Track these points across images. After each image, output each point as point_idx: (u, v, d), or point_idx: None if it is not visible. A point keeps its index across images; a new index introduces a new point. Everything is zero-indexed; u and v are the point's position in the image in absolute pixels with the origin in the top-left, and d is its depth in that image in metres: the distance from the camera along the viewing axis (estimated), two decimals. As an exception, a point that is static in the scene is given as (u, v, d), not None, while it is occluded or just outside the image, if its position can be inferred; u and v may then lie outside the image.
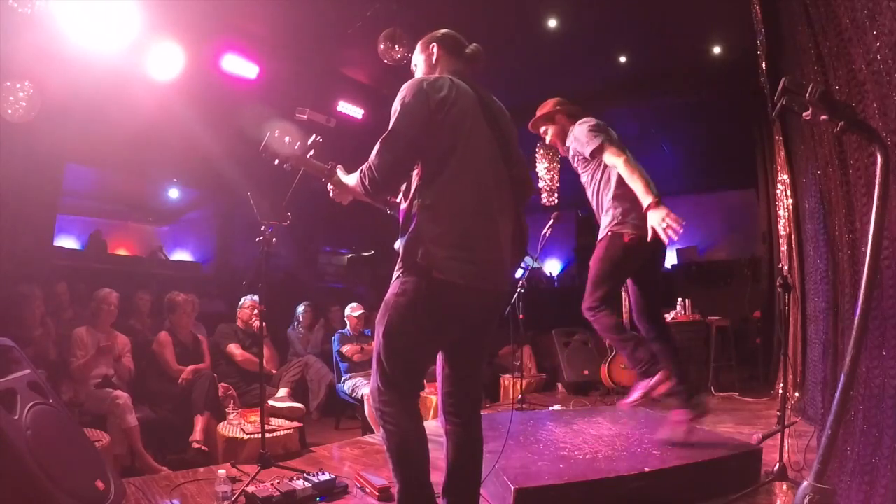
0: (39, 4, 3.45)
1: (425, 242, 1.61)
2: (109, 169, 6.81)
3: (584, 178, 2.87)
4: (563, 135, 2.89)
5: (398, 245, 1.70)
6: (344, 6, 4.64)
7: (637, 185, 2.44)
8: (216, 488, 2.31)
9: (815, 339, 3.40)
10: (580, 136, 2.71)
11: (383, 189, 1.73)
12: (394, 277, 1.70)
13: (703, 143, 7.22)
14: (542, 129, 2.99)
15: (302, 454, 3.29)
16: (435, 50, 1.89)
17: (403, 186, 1.75)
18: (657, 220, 2.28)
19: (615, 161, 2.55)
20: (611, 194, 2.67)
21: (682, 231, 2.25)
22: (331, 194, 2.02)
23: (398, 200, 1.81)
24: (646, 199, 2.36)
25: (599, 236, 2.73)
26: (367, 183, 1.70)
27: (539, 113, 2.96)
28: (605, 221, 2.70)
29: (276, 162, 2.04)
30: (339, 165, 2.00)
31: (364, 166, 1.71)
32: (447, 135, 1.66)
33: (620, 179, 2.60)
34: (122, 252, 7.92)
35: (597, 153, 2.63)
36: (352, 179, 1.83)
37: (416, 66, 1.96)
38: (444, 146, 1.66)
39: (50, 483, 1.79)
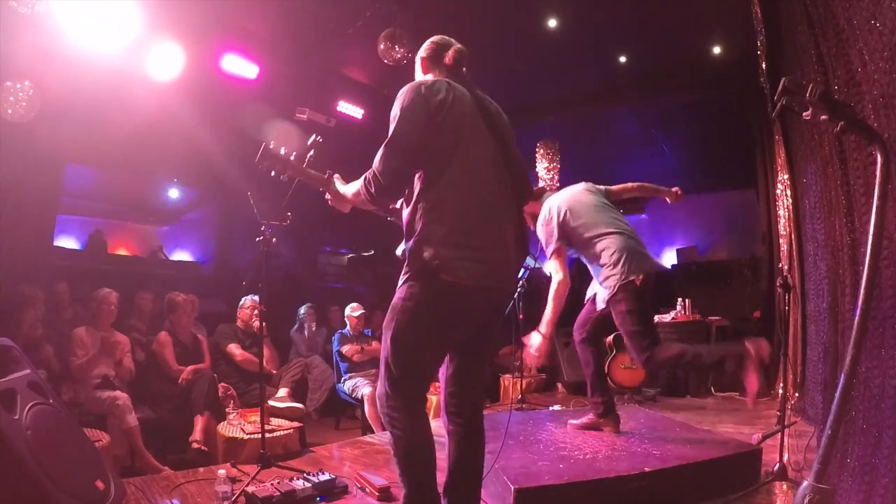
0: (39, 4, 3.45)
1: (432, 244, 1.60)
2: (109, 169, 6.80)
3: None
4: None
5: (401, 250, 1.70)
6: (344, 6, 4.64)
7: (549, 310, 2.65)
8: (216, 488, 2.31)
9: (815, 339, 3.40)
10: (542, 232, 2.87)
11: (389, 195, 1.73)
12: (400, 282, 1.69)
13: (703, 143, 7.21)
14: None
15: (302, 454, 3.29)
16: (419, 64, 1.92)
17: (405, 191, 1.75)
18: (533, 342, 2.60)
19: (554, 279, 2.71)
20: (603, 262, 2.74)
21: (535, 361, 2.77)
22: (329, 202, 2.02)
23: (398, 206, 1.80)
24: (542, 326, 2.63)
25: (609, 295, 2.73)
26: (372, 190, 1.69)
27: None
28: (611, 283, 2.71)
29: (273, 173, 2.04)
30: (337, 175, 1.99)
31: (368, 174, 1.70)
32: (447, 137, 1.67)
33: (606, 250, 2.72)
34: (122, 252, 7.91)
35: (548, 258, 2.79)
36: (353, 188, 1.83)
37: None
38: (444, 148, 1.66)
39: (50, 483, 1.79)
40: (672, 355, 2.60)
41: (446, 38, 1.92)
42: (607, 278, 2.69)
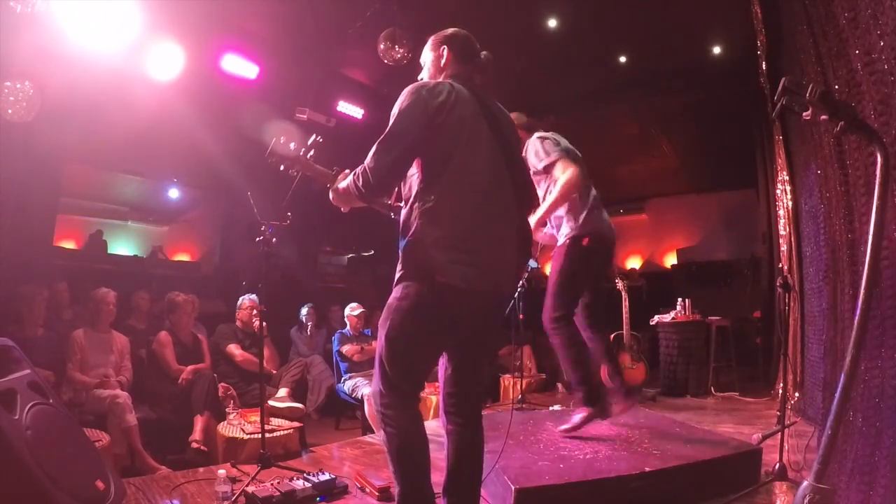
0: (39, 4, 3.45)
1: (426, 246, 1.61)
2: (109, 169, 6.82)
3: (539, 191, 2.93)
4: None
5: (400, 250, 1.70)
6: (344, 6, 4.64)
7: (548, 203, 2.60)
8: (216, 488, 2.31)
9: (814, 339, 3.40)
10: (537, 150, 2.78)
11: (377, 191, 1.72)
12: (395, 281, 1.70)
13: (703, 143, 7.22)
14: None
15: (302, 454, 3.29)
16: (444, 52, 1.87)
17: (405, 190, 1.75)
18: None
19: (562, 175, 2.64)
20: (565, 206, 2.74)
21: None
22: (331, 200, 2.02)
23: (401, 205, 1.81)
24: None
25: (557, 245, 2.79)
26: (360, 184, 1.69)
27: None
28: (563, 231, 2.78)
29: (282, 168, 2.05)
30: (345, 171, 1.99)
31: (358, 168, 1.70)
32: (447, 139, 1.67)
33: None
34: (122, 252, 7.92)
35: (550, 168, 2.70)
36: (344, 183, 1.82)
37: (423, 63, 1.94)
38: (443, 150, 1.66)
39: (50, 483, 1.79)
40: (567, 341, 2.71)
41: (470, 35, 1.90)
42: (570, 219, 2.75)
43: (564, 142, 2.81)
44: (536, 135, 2.85)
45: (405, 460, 1.66)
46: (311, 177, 2.08)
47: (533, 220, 2.51)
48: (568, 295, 2.73)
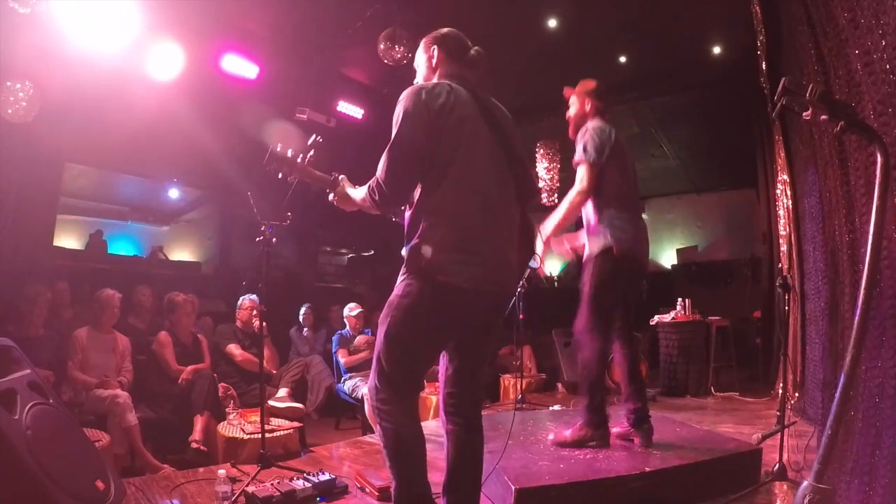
0: (39, 4, 3.44)
1: (431, 248, 1.61)
2: (109, 169, 6.81)
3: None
4: (579, 118, 2.91)
5: (405, 252, 1.70)
6: (344, 6, 4.64)
7: (556, 217, 2.59)
8: (216, 488, 2.31)
9: (815, 339, 3.40)
10: (582, 139, 2.71)
11: (394, 202, 1.74)
12: (399, 280, 1.70)
13: (703, 143, 7.22)
14: (571, 100, 3.03)
15: (302, 454, 3.29)
16: (435, 53, 1.88)
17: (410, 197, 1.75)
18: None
19: (575, 187, 2.62)
20: (603, 207, 2.66)
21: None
22: (334, 203, 2.01)
23: (402, 207, 1.81)
24: (545, 227, 2.56)
25: (587, 252, 2.69)
26: (377, 198, 1.71)
27: (578, 88, 2.98)
28: (595, 236, 2.67)
29: (281, 175, 2.04)
30: (343, 176, 1.99)
31: (372, 182, 1.71)
32: (448, 140, 1.67)
33: (616, 192, 2.65)
34: (122, 252, 7.91)
35: (575, 166, 2.66)
36: (359, 194, 1.83)
37: (417, 66, 1.94)
38: (445, 152, 1.66)
39: (50, 483, 1.79)
40: (594, 354, 2.59)
41: (460, 34, 1.90)
42: (604, 222, 2.65)
43: (609, 139, 2.69)
44: (595, 124, 2.76)
45: (401, 455, 1.66)
46: (311, 183, 2.08)
47: (546, 228, 2.55)
48: (599, 307, 2.61)
